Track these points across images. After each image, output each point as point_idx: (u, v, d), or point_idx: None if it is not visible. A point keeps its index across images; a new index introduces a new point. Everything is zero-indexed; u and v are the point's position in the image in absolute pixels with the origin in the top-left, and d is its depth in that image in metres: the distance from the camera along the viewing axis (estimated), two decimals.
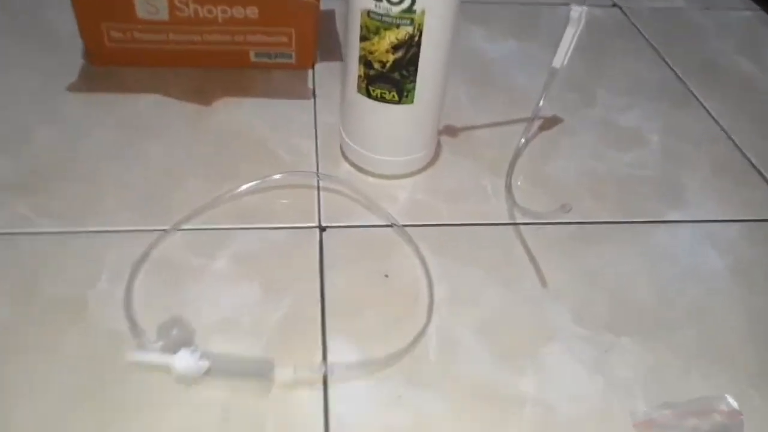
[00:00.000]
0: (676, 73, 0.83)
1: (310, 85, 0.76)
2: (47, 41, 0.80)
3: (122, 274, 0.52)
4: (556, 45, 0.86)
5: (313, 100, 0.74)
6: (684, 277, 0.57)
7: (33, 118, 0.68)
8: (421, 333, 0.50)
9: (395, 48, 0.56)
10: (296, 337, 0.49)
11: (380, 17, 0.54)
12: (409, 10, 0.53)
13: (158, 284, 0.52)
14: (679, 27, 0.93)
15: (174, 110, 0.71)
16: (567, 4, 0.96)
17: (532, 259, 0.57)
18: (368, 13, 0.55)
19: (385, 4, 0.53)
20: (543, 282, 0.55)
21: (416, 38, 0.55)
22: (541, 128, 0.72)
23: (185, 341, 0.47)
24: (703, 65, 0.85)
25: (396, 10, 0.54)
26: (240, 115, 0.71)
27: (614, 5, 0.96)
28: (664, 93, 0.80)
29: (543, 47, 0.86)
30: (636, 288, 0.56)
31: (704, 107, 0.78)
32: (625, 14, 0.95)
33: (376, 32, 0.55)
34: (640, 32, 0.91)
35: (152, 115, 0.70)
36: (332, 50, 0.83)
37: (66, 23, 0.78)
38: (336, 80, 0.76)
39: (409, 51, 0.56)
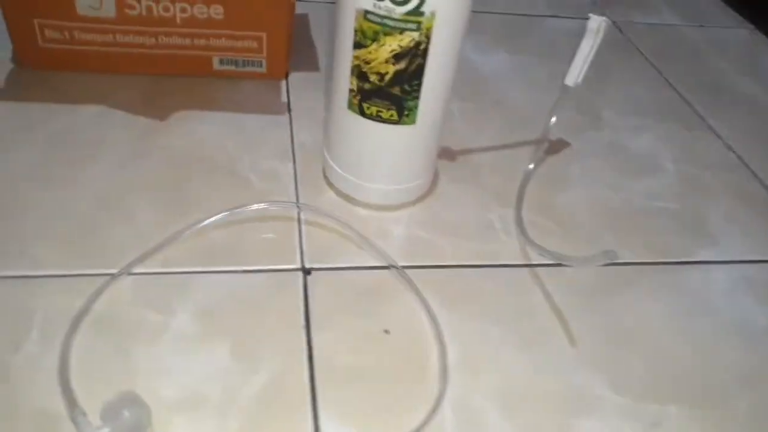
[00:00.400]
0: (679, 94, 0.77)
1: (284, 99, 0.66)
2: None
3: (56, 333, 0.41)
4: (549, 57, 0.79)
5: (288, 115, 0.64)
6: (727, 333, 0.49)
7: None
8: (435, 408, 0.41)
9: (397, 57, 0.47)
10: (279, 415, 0.39)
11: (380, 20, 0.45)
12: (417, 11, 0.44)
13: (103, 347, 0.41)
14: (676, 45, 0.88)
15: (120, 124, 0.59)
16: (556, 16, 0.90)
17: (556, 310, 0.48)
18: (365, 14, 0.45)
19: (387, 3, 0.44)
20: (571, 340, 0.46)
21: (423, 46, 0.46)
22: (548, 152, 0.64)
23: (139, 426, 0.37)
24: (706, 86, 0.80)
25: (400, 11, 0.44)
26: (201, 131, 0.60)
27: (611, 22, 0.90)
28: (672, 114, 0.73)
29: (535, 59, 0.79)
30: (675, 345, 0.48)
31: (714, 131, 0.72)
32: (620, 30, 0.89)
33: (375, 38, 0.46)
34: (638, 49, 0.85)
35: (93, 129, 0.58)
36: (308, 59, 0.73)
37: None
38: (314, 93, 0.66)
39: (414, 61, 0.47)
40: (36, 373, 0.39)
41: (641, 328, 0.48)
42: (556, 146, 0.65)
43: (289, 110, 0.65)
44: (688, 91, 0.78)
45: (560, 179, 0.62)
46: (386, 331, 0.45)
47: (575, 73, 0.58)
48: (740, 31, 0.94)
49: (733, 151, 0.69)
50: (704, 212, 0.61)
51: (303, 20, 0.79)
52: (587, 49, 0.57)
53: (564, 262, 0.50)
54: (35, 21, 0.61)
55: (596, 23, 0.56)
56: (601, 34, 0.56)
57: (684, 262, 0.55)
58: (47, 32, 0.62)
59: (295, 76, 0.69)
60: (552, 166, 0.63)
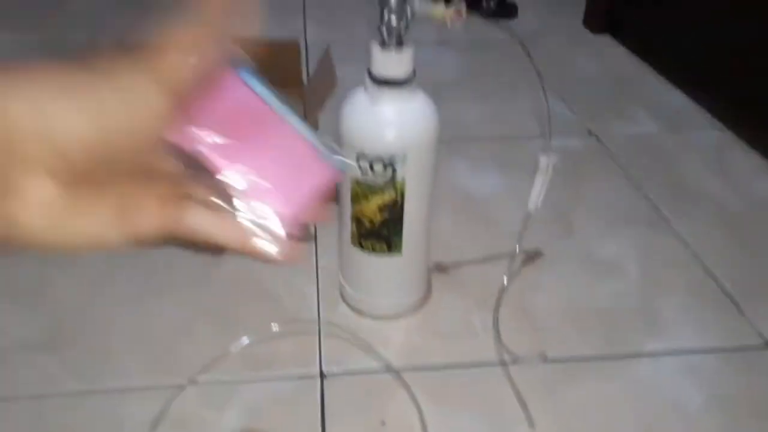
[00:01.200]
0: (648, 198, 0.89)
1: (311, 229, 0.83)
2: None
3: None
4: (533, 176, 0.93)
5: (314, 243, 0.80)
6: (668, 414, 0.60)
7: (52, 269, 0.74)
8: None
9: (381, 209, 0.63)
10: None
11: (368, 185, 0.61)
12: (392, 180, 0.60)
13: None
14: (651, 152, 1.00)
15: (186, 260, 0.77)
16: (543, 136, 1.05)
17: (520, 400, 0.60)
18: (357, 181, 0.62)
19: (370, 174, 0.60)
20: (531, 424, 0.58)
21: (400, 200, 0.62)
22: (524, 263, 0.77)
23: None
24: (675, 189, 0.92)
25: (381, 179, 0.60)
26: (245, 261, 0.77)
27: (590, 134, 1.04)
28: (638, 219, 0.86)
29: (522, 179, 0.93)
30: (624, 428, 0.59)
31: (675, 232, 0.83)
32: (601, 142, 1.02)
33: (365, 196, 0.62)
34: (614, 160, 0.98)
35: (165, 266, 0.76)
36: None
37: None
38: (332, 229, 0.83)
39: (395, 211, 0.63)
40: None
41: (594, 412, 0.60)
42: (531, 256, 0.78)
43: (315, 240, 0.81)
44: (656, 195, 0.90)
45: (533, 285, 0.74)
46: (383, 423, 0.59)
47: (534, 200, 0.72)
48: (712, 133, 1.06)
49: (692, 250, 0.80)
50: (659, 308, 0.72)
51: None
52: (540, 182, 0.71)
53: (520, 361, 0.63)
54: None
55: (545, 162, 0.70)
56: (550, 170, 0.70)
57: (635, 354, 0.66)
58: None
59: None
60: (528, 274, 0.76)
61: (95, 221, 0.23)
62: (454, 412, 0.59)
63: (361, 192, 0.62)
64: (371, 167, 0.60)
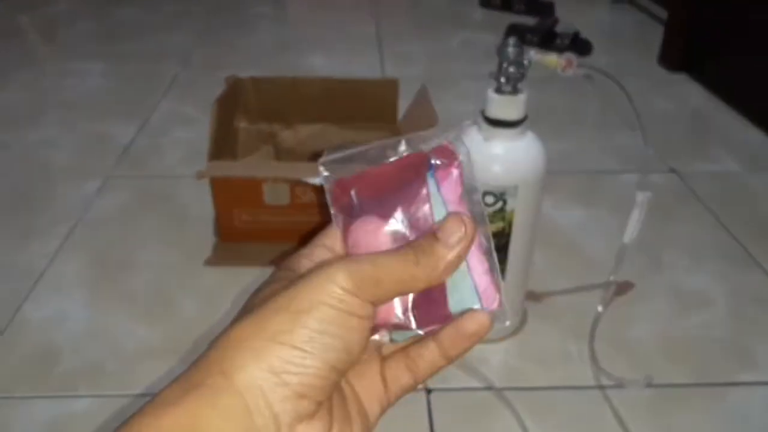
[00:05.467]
0: (734, 236, 0.92)
1: None
2: (182, 222, 0.95)
3: None
4: (619, 210, 0.97)
5: None
6: None
7: (178, 290, 0.81)
8: None
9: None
10: None
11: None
12: (501, 210, 0.65)
13: None
14: (733, 190, 1.03)
15: None
16: (628, 172, 1.08)
17: (621, 423, 0.64)
18: None
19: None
20: None
21: (507, 230, 0.67)
22: (616, 294, 0.80)
23: None
24: (760, 227, 0.94)
25: (490, 210, 0.66)
26: None
27: (672, 171, 1.07)
28: (725, 256, 0.88)
29: (607, 212, 0.97)
30: None
31: (763, 269, 0.85)
32: (682, 179, 1.05)
33: None
34: (697, 197, 1.00)
35: None
36: None
37: (195, 207, 0.95)
38: None
39: (501, 240, 0.68)
40: None
41: None
42: (623, 287, 0.81)
43: None
44: (741, 233, 0.92)
45: (626, 315, 0.78)
46: None
47: (630, 234, 0.76)
48: None
49: None
50: (749, 340, 0.74)
51: None
52: (636, 216, 0.75)
53: (624, 384, 0.66)
54: (235, 210, 0.88)
55: (641, 197, 0.74)
56: (645, 206, 0.74)
57: (728, 383, 0.68)
58: (242, 216, 0.89)
59: None
60: (620, 305, 0.79)
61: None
62: (557, 430, 0.63)
63: None
64: (482, 200, 0.65)
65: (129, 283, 0.83)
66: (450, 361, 0.27)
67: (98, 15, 1.79)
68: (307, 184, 0.85)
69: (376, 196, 0.27)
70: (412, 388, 0.28)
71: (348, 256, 0.27)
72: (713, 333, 0.75)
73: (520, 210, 0.65)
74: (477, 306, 0.27)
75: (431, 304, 0.27)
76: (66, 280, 0.83)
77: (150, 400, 0.23)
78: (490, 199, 0.65)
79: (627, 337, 0.75)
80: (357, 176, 0.27)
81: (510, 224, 0.66)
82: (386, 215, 0.27)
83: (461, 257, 0.26)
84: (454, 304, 0.27)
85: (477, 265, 0.27)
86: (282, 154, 1.07)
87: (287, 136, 1.07)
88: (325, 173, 0.27)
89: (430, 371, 0.27)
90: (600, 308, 0.76)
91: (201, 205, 0.95)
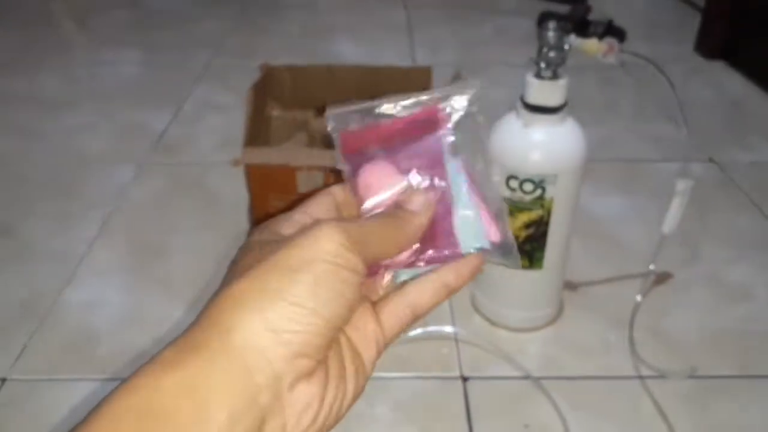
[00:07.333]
0: None
1: None
2: (216, 208, 0.96)
3: None
4: (657, 198, 0.95)
5: None
6: None
7: (213, 275, 0.82)
8: None
9: (527, 226, 0.67)
10: None
11: (515, 203, 0.66)
12: (540, 197, 0.65)
13: None
14: None
15: None
16: (666, 161, 1.06)
17: (661, 413, 0.63)
18: (504, 199, 0.66)
19: (519, 193, 0.65)
20: None
21: (545, 218, 0.66)
22: (654, 283, 0.79)
23: None
24: None
25: (529, 197, 0.65)
26: None
27: (710, 160, 1.05)
28: (766, 246, 0.86)
29: (645, 201, 0.95)
30: None
31: None
32: (722, 168, 1.03)
33: (511, 213, 0.67)
34: (737, 187, 0.98)
35: None
36: None
37: (228, 193, 0.95)
38: None
39: (540, 228, 0.67)
40: None
41: (735, 428, 0.61)
42: (661, 278, 0.80)
43: None
44: None
45: (665, 305, 0.76)
46: (526, 426, 0.62)
47: (670, 223, 0.74)
48: None
49: None
50: None
51: None
52: (677, 205, 0.73)
53: (666, 375, 0.65)
54: (270, 195, 0.89)
55: (683, 186, 0.73)
56: (687, 194, 0.73)
57: None
58: (276, 203, 0.89)
59: None
60: (658, 295, 0.78)
61: (350, 390, 0.25)
62: (596, 420, 0.63)
63: (509, 209, 0.66)
64: (521, 187, 0.64)
65: (165, 268, 0.84)
66: (451, 292, 0.28)
67: (131, 2, 1.80)
68: (341, 172, 0.85)
69: (386, 147, 0.28)
70: (412, 322, 0.28)
71: (342, 220, 0.27)
72: (755, 325, 0.74)
73: (559, 198, 0.65)
74: (483, 240, 0.28)
75: (438, 239, 0.27)
76: (104, 265, 0.84)
77: (149, 361, 0.23)
78: (528, 187, 0.64)
79: (666, 327, 0.74)
80: (367, 128, 0.28)
81: (549, 212, 0.65)
82: (397, 163, 0.28)
83: (429, 221, 0.27)
84: (462, 241, 0.28)
85: (479, 202, 0.28)
86: (315, 142, 1.07)
87: (320, 123, 1.07)
88: (333, 123, 0.29)
89: (433, 303, 0.28)
90: (639, 298, 0.75)
91: (234, 192, 0.96)
